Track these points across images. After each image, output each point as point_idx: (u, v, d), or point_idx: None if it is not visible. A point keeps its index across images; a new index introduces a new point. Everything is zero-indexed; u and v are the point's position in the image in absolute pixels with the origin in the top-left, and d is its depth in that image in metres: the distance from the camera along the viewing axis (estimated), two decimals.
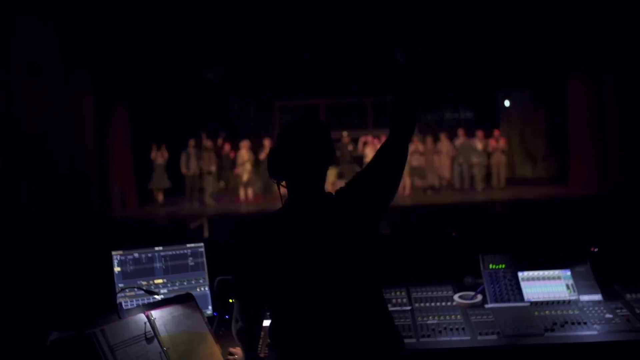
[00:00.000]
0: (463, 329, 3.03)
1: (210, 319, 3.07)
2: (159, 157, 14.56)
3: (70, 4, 10.95)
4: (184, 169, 14.63)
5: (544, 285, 3.30)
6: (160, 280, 3.25)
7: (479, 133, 14.63)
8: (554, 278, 3.32)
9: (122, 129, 13.93)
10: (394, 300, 3.30)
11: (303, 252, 2.35)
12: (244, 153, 14.77)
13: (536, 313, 3.13)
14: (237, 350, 2.73)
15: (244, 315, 2.42)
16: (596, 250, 3.50)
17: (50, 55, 10.54)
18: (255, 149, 14.99)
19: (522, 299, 3.25)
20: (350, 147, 14.76)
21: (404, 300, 3.31)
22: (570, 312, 3.13)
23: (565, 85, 13.24)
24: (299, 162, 2.41)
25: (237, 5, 12.04)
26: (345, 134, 14.93)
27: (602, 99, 12.07)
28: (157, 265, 3.26)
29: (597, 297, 3.22)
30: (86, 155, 11.57)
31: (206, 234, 8.78)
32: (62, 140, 10.44)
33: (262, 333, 2.59)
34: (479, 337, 2.96)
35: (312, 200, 2.42)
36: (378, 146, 3.00)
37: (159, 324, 2.70)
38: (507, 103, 15.00)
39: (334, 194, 2.48)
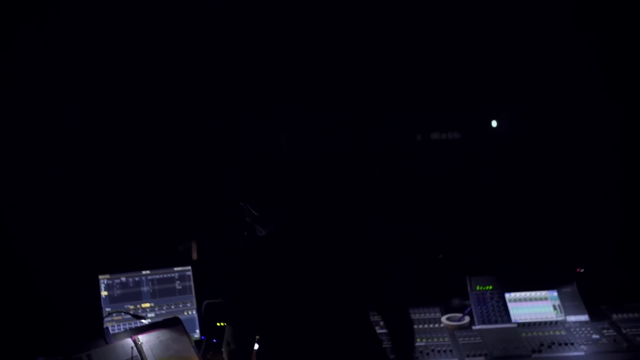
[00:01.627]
0: (451, 350, 3.04)
1: (197, 343, 3.06)
2: None
3: None
4: None
5: (531, 307, 3.31)
6: (147, 304, 3.24)
7: None
8: (540, 299, 3.33)
9: None
10: (381, 322, 3.30)
11: (292, 276, 2.36)
12: None
13: (523, 334, 3.14)
14: None
15: (236, 338, 2.42)
16: (582, 271, 3.52)
17: None
18: None
19: (509, 320, 3.26)
20: None
21: None
22: (558, 332, 3.14)
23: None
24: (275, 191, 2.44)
25: None
26: None
27: None
28: (145, 289, 3.25)
29: (584, 317, 3.24)
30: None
31: (195, 255, 8.73)
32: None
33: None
34: (467, 359, 2.97)
35: (299, 225, 2.43)
36: None
37: (146, 348, 2.68)
38: (494, 123, 15.11)
39: (326, 216, 2.48)
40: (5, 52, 3.29)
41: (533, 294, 3.35)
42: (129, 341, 2.67)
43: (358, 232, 2.47)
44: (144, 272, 3.26)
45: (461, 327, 3.24)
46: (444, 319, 3.30)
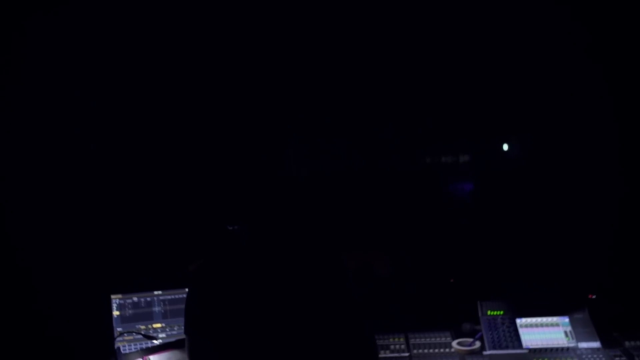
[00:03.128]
0: None
1: None
2: None
3: None
4: None
5: (543, 332, 3.30)
6: (158, 325, 3.25)
7: None
8: (552, 325, 3.32)
9: None
10: (392, 347, 3.30)
11: (256, 296, 2.24)
12: None
13: None
14: None
15: (192, 354, 2.32)
16: (594, 297, 3.50)
17: None
18: None
19: (520, 345, 3.24)
20: None
21: (402, 346, 3.31)
22: (569, 359, 3.12)
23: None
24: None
25: None
26: None
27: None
28: (156, 309, 3.26)
29: (596, 344, 3.22)
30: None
31: None
32: None
33: None
34: None
35: (268, 242, 2.35)
36: None
37: None
38: (505, 147, 15.09)
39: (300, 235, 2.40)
40: (20, 68, 3.34)
41: (544, 319, 3.33)
42: None
43: (322, 258, 2.36)
44: (155, 293, 3.28)
45: (472, 352, 3.23)
46: (454, 343, 3.29)
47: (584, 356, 3.13)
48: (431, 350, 3.27)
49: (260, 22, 4.05)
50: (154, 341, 3.04)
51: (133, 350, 3.02)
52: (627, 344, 3.22)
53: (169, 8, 3.91)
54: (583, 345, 3.23)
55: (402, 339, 3.36)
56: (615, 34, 3.92)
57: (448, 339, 3.37)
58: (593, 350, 3.19)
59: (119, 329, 3.17)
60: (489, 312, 3.39)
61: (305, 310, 2.26)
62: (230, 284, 2.26)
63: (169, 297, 3.29)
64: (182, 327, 3.21)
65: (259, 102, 4.18)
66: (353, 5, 4.10)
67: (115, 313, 3.21)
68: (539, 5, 4.06)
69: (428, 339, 3.36)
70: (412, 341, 3.34)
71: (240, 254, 2.32)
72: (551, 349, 3.21)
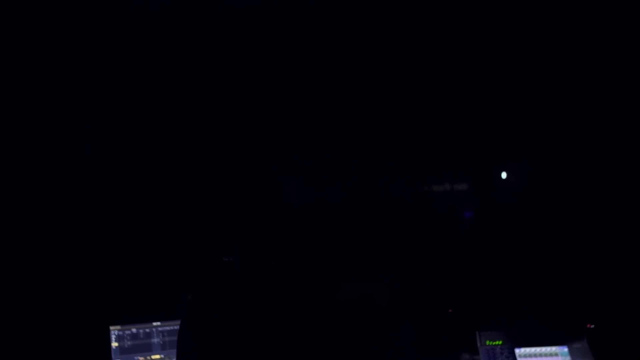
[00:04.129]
0: None
1: None
2: None
3: None
4: None
5: None
6: (157, 356, 3.25)
7: None
8: (551, 354, 3.31)
9: None
10: None
11: (249, 329, 2.23)
12: None
13: None
14: None
15: None
16: (593, 326, 3.50)
17: None
18: None
19: None
20: None
21: None
22: None
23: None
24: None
25: None
26: None
27: None
28: (155, 340, 3.26)
29: None
30: None
31: None
32: None
33: None
34: None
35: (263, 274, 2.34)
36: None
37: None
38: (504, 175, 15.07)
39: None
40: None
41: (543, 349, 3.33)
42: None
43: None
44: (154, 324, 3.28)
45: None
46: None
47: None
48: None
49: (259, 45, 4.10)
50: None
51: None
52: None
53: (170, 39, 3.97)
54: None
55: None
56: (616, 60, 3.94)
57: None
58: None
59: None
60: (487, 342, 3.39)
61: (298, 344, 2.26)
62: (222, 317, 2.26)
63: (168, 328, 3.29)
64: None
65: (256, 132, 4.21)
66: (353, 33, 4.16)
67: (114, 344, 3.21)
68: (536, 32, 4.11)
69: None
70: None
71: (234, 285, 2.33)
72: None
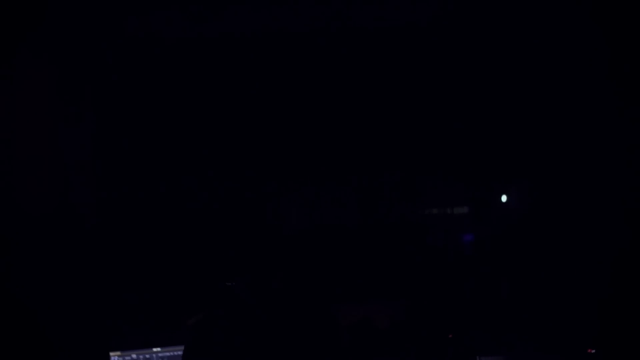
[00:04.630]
0: None
1: None
2: None
3: None
4: None
5: None
6: None
7: None
8: None
9: None
10: None
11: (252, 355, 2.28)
12: None
13: None
14: None
15: None
16: (594, 351, 3.49)
17: None
18: None
19: None
20: None
21: None
22: None
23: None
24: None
25: None
26: None
27: None
28: None
29: None
30: None
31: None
32: None
33: None
34: None
35: (267, 300, 2.35)
36: None
37: None
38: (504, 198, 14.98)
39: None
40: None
41: None
42: None
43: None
44: (154, 350, 3.27)
45: None
46: None
47: None
48: None
49: (259, 72, 4.13)
50: None
51: None
52: None
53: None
54: None
55: None
56: (618, 83, 3.93)
57: None
58: None
59: None
60: None
61: None
62: (225, 342, 2.27)
63: (168, 354, 3.28)
64: None
65: (257, 160, 4.23)
66: (351, 56, 4.18)
67: None
68: (537, 53, 4.12)
69: None
70: None
71: (238, 311, 2.34)
72: None
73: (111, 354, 3.22)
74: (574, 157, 4.13)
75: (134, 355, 3.23)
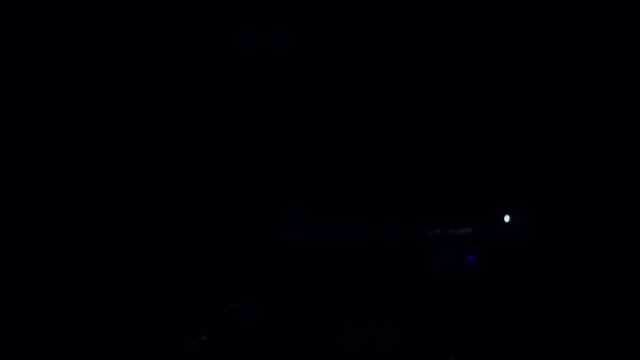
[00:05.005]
0: None
1: None
2: None
3: None
4: None
5: None
6: None
7: None
8: None
9: None
10: None
11: None
12: None
13: None
14: None
15: None
16: None
17: None
18: None
19: None
20: None
21: None
22: None
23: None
24: None
25: None
26: None
27: None
28: None
29: None
30: None
31: None
32: None
33: None
34: None
35: (269, 320, 2.34)
36: None
37: None
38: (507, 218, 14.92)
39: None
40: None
41: None
42: None
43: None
44: None
45: None
46: None
47: None
48: None
49: (263, 94, 4.14)
50: None
51: None
52: None
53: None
54: None
55: None
56: (618, 104, 3.92)
57: None
58: None
59: None
60: None
61: None
62: None
63: None
64: None
65: (261, 181, 4.23)
66: (356, 79, 4.20)
67: None
68: (537, 78, 4.13)
69: None
70: None
71: (241, 331, 2.33)
72: None
73: None
74: (576, 180, 4.12)
75: None
